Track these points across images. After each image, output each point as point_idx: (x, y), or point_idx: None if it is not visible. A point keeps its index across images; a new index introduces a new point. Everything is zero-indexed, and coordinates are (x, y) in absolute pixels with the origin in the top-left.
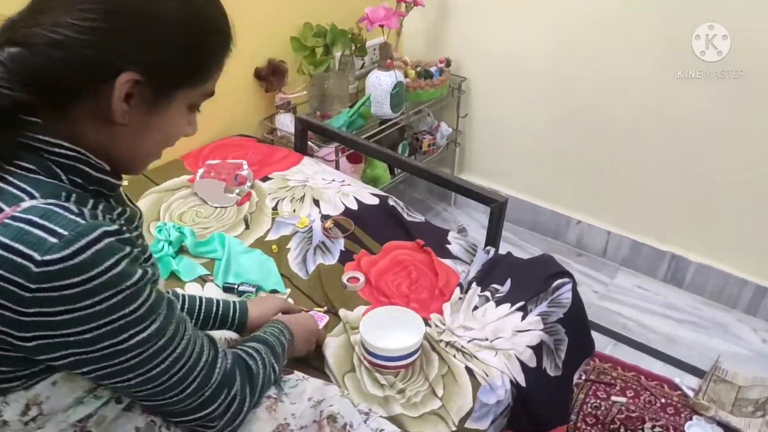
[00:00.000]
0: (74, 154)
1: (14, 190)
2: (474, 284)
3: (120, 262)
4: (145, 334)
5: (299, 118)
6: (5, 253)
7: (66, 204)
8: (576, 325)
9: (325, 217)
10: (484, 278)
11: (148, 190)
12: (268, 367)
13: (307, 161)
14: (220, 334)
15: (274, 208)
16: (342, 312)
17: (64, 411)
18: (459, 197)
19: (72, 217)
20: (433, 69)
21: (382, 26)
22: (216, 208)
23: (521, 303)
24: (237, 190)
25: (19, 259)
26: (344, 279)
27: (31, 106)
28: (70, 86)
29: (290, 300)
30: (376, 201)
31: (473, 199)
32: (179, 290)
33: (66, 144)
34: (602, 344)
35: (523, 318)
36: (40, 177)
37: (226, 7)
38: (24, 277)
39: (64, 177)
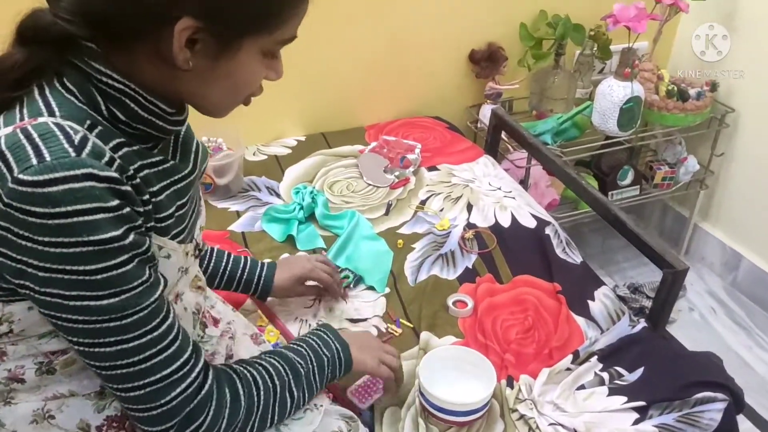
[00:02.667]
0: (122, 87)
1: (41, 104)
2: (595, 358)
3: (95, 213)
4: (94, 304)
5: (494, 112)
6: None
7: (74, 131)
8: None
9: (469, 226)
10: (612, 355)
11: (319, 150)
12: (274, 395)
13: (483, 160)
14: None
15: (423, 202)
16: (425, 336)
17: (37, 338)
18: (694, 248)
19: (66, 145)
20: (692, 91)
21: (628, 28)
22: (369, 185)
23: (642, 402)
24: (397, 173)
25: (3, 168)
26: (450, 300)
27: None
28: (127, 29)
29: (383, 301)
30: (533, 224)
31: (647, 257)
32: (211, 246)
33: (116, 76)
34: None
35: (637, 422)
36: (73, 99)
37: None
38: (1, 187)
39: (103, 106)
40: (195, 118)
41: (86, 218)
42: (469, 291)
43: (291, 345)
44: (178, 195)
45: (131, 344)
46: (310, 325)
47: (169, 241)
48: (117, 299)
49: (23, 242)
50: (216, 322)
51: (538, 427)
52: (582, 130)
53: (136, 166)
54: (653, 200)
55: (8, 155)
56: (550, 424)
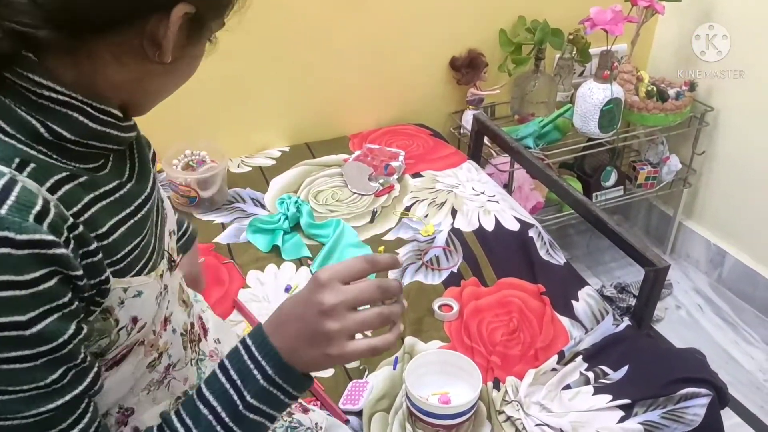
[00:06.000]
0: (67, 99)
1: None
2: (580, 358)
3: (6, 288)
4: None
5: (476, 118)
6: None
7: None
8: None
9: (453, 231)
10: (597, 354)
11: (303, 161)
12: None
13: (467, 166)
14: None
15: (407, 209)
16: (410, 340)
17: None
18: (679, 246)
19: None
20: (671, 91)
21: (606, 31)
22: (353, 193)
23: (627, 400)
24: (381, 180)
25: None
26: (436, 304)
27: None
28: (108, 20)
29: None
30: (516, 227)
31: (629, 255)
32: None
33: (59, 88)
34: None
35: (622, 420)
36: None
37: None
38: None
39: (42, 128)
40: (177, 131)
41: None
42: (455, 295)
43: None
44: (139, 225)
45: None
46: None
47: (135, 279)
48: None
49: None
50: (206, 332)
51: (524, 428)
52: (563, 133)
53: (83, 203)
54: (638, 200)
55: None
56: (537, 425)
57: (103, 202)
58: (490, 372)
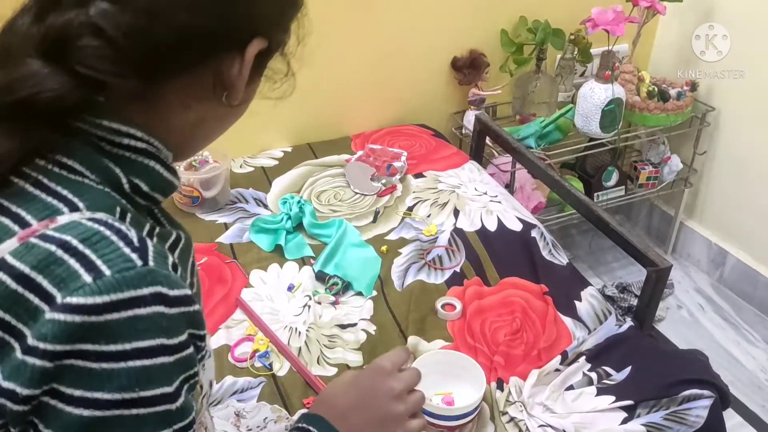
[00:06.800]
0: (145, 146)
1: (49, 198)
2: (583, 358)
3: (154, 355)
4: None
5: (478, 118)
6: (19, 288)
7: (120, 226)
8: None
9: (456, 231)
10: (599, 355)
11: (306, 161)
12: None
13: (469, 166)
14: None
15: (410, 209)
16: (413, 340)
17: None
18: (680, 245)
19: (126, 250)
20: (673, 91)
21: (607, 31)
22: (356, 194)
23: (630, 402)
24: (383, 180)
25: (35, 300)
26: (439, 303)
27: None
28: (184, 61)
29: (370, 304)
30: (519, 227)
31: (631, 255)
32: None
33: (138, 134)
34: None
35: (625, 422)
36: (85, 180)
37: None
38: (30, 328)
39: (125, 180)
40: None
41: (142, 363)
42: (457, 294)
43: None
44: (198, 275)
45: None
46: (300, 333)
47: (207, 335)
48: None
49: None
50: None
51: (528, 429)
52: (565, 133)
53: (171, 258)
54: (639, 200)
55: (40, 279)
56: (540, 426)
57: (176, 252)
58: (493, 372)
